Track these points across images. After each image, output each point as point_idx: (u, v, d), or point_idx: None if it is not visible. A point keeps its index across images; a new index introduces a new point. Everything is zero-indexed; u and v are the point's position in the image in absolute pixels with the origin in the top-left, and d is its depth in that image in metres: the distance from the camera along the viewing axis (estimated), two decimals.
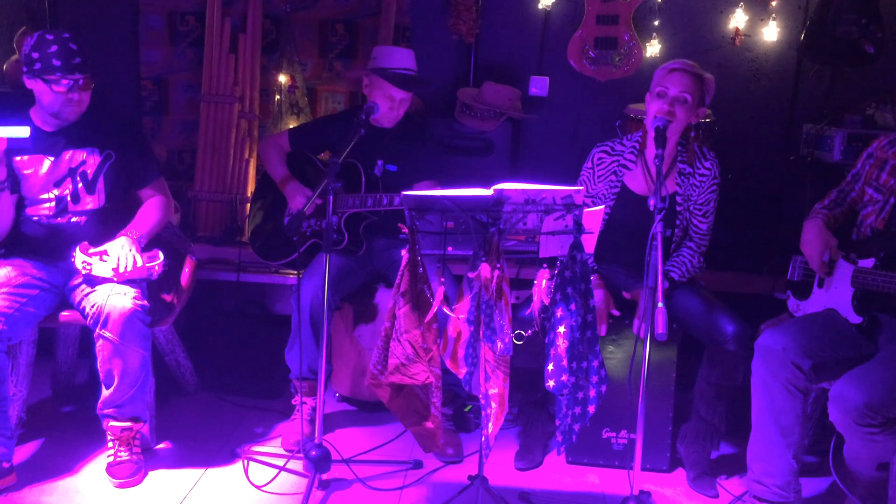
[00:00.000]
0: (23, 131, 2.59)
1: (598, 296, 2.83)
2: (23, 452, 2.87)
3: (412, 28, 3.89)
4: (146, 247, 2.83)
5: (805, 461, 2.92)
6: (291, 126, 3.86)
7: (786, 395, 2.50)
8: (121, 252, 2.70)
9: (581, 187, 2.31)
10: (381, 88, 3.15)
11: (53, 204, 2.82)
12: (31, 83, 2.73)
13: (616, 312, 2.86)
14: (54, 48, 2.66)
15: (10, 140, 2.59)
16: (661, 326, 2.16)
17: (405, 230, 2.34)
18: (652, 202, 2.29)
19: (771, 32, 3.69)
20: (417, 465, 2.90)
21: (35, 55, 2.67)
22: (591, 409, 2.43)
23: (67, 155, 2.83)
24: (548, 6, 3.79)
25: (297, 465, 2.82)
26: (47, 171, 2.80)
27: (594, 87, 3.80)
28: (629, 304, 2.90)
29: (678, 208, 2.88)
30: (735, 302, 2.89)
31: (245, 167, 3.92)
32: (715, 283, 3.13)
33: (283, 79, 3.91)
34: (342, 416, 3.31)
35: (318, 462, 2.64)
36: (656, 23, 3.72)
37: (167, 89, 4.03)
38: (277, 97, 3.94)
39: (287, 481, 2.76)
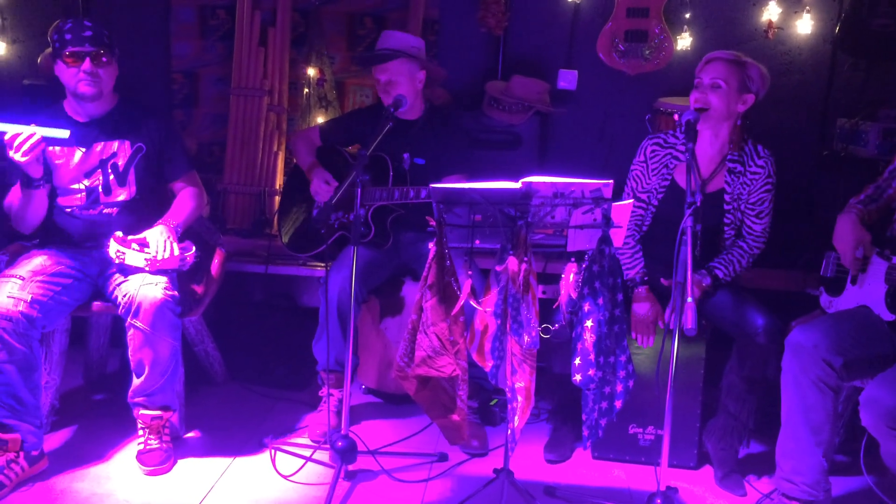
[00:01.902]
0: (62, 133, 2.61)
1: (645, 308, 2.80)
2: (55, 440, 2.91)
3: (441, 21, 3.88)
4: (179, 238, 2.86)
5: (835, 460, 2.88)
6: (320, 119, 3.88)
7: (816, 392, 2.46)
8: (159, 239, 2.73)
9: (611, 180, 2.28)
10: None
11: (84, 195, 2.86)
12: (55, 68, 2.78)
13: (661, 325, 2.81)
14: (68, 25, 2.73)
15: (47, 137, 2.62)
16: (690, 321, 2.14)
17: (433, 223, 2.34)
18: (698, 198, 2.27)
19: (805, 25, 3.63)
20: (443, 457, 2.91)
21: (54, 37, 2.75)
22: (618, 404, 2.42)
23: (98, 146, 2.86)
24: None
25: (323, 455, 2.84)
26: (78, 162, 2.84)
27: (624, 80, 3.77)
28: (665, 297, 2.86)
29: (726, 206, 2.83)
30: (766, 298, 2.86)
31: (274, 160, 3.94)
32: (745, 278, 3.09)
33: (311, 72, 3.93)
34: (368, 408, 3.32)
35: (345, 453, 2.65)
36: (687, 15, 3.68)
37: (197, 82, 4.06)
38: (306, 90, 3.96)
39: (313, 472, 2.78)
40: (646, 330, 2.82)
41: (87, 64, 2.73)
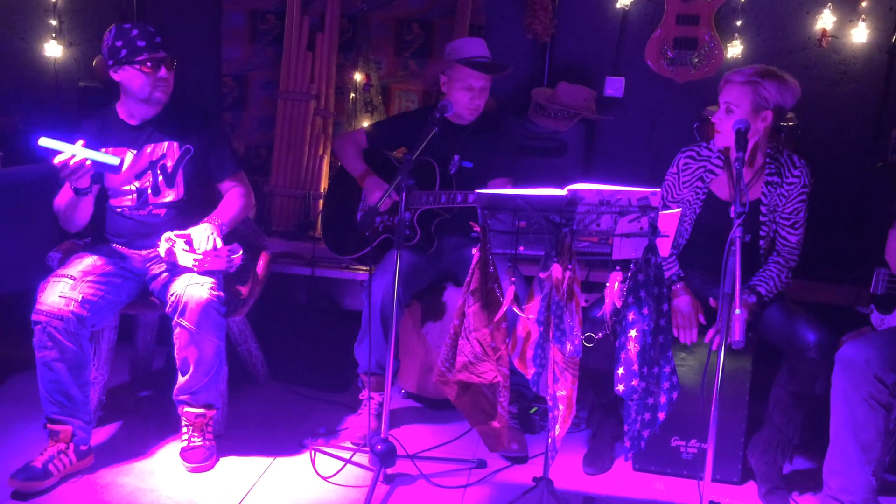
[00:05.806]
0: (113, 160, 2.63)
1: (685, 302, 2.77)
2: (101, 434, 2.97)
3: (487, 27, 3.88)
4: (227, 240, 2.89)
5: (885, 479, 2.81)
6: (365, 123, 3.90)
7: (867, 409, 2.40)
8: (203, 235, 2.77)
9: (658, 189, 2.25)
10: (461, 80, 3.14)
11: (135, 196, 2.91)
12: (119, 74, 2.81)
13: (703, 321, 2.79)
14: (135, 32, 2.77)
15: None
16: (738, 333, 2.10)
17: (477, 228, 2.34)
18: (733, 209, 2.23)
19: (860, 34, 3.56)
20: (481, 464, 2.90)
21: (119, 43, 2.77)
22: (661, 415, 2.38)
23: (149, 148, 2.91)
24: (626, 6, 3.74)
25: (363, 458, 2.85)
26: (130, 165, 2.89)
27: (672, 88, 3.73)
28: (713, 312, 2.82)
29: (762, 218, 2.79)
30: (815, 312, 2.80)
31: (319, 164, 3.98)
32: (794, 291, 3.03)
33: (358, 77, 3.96)
34: (408, 413, 3.33)
35: (384, 456, 2.66)
36: (739, 23, 3.63)
37: (246, 86, 4.12)
38: (352, 95, 3.99)
39: (353, 474, 2.80)
40: (687, 323, 2.78)
41: (163, 70, 2.79)
